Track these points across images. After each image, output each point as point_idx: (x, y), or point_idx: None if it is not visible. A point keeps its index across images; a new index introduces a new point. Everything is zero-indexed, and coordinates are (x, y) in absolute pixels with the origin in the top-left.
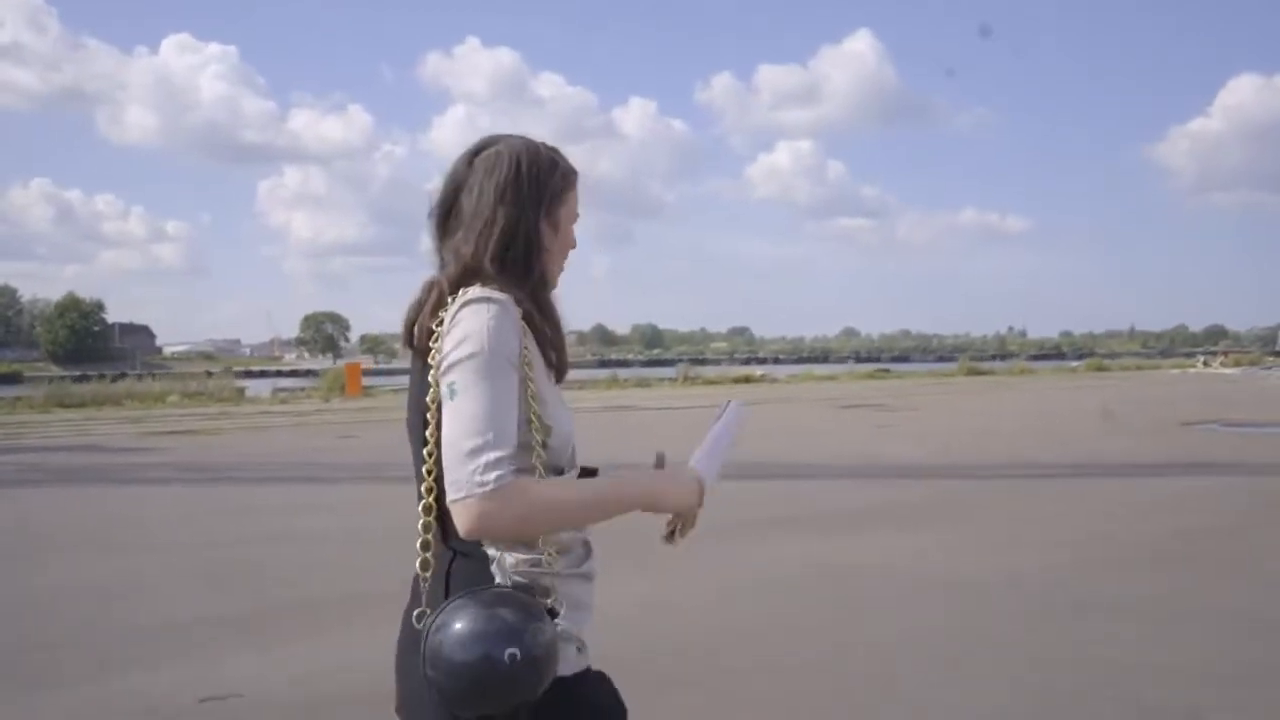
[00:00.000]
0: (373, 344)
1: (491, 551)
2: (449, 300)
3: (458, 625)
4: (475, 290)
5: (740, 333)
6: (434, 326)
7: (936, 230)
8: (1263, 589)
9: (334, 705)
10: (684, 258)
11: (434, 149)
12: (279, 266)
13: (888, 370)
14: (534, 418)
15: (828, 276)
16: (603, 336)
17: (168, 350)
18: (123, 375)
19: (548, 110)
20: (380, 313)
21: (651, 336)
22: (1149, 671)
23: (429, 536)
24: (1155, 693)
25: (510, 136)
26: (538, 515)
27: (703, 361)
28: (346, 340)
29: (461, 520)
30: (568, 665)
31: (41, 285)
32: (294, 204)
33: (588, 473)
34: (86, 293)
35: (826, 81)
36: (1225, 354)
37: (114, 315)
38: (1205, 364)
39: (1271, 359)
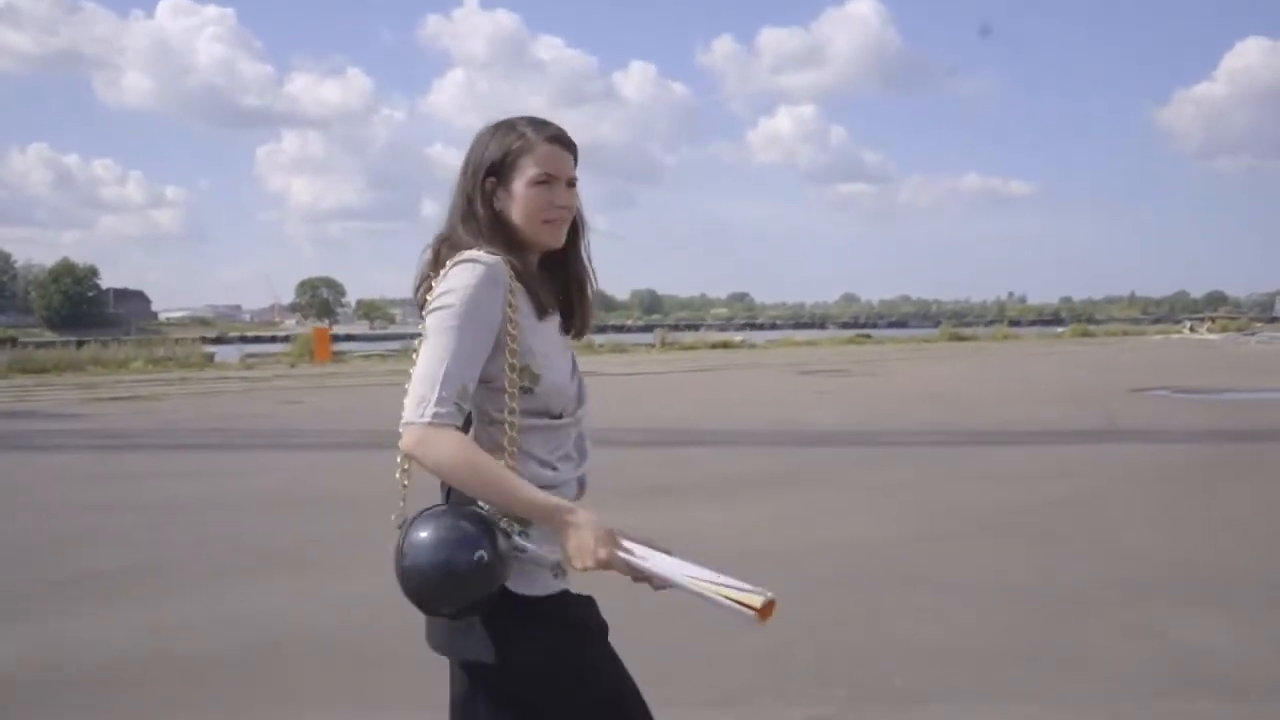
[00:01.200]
0: (369, 309)
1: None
2: (443, 266)
3: (424, 533)
4: (467, 252)
5: (740, 298)
6: (427, 289)
7: (938, 195)
8: (1088, 563)
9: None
10: (684, 223)
11: (433, 112)
12: (279, 231)
13: (869, 335)
14: (508, 368)
15: (829, 242)
16: (602, 302)
17: (166, 316)
18: (117, 340)
19: (548, 73)
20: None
21: (650, 302)
22: (894, 648)
23: (406, 468)
24: (901, 672)
25: (498, 119)
26: (451, 465)
27: (697, 326)
28: (342, 305)
29: (402, 441)
30: (542, 586)
31: (41, 250)
32: (293, 169)
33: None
34: (87, 258)
35: (829, 44)
36: (1212, 320)
37: (115, 281)
38: (1192, 330)
39: (1260, 325)
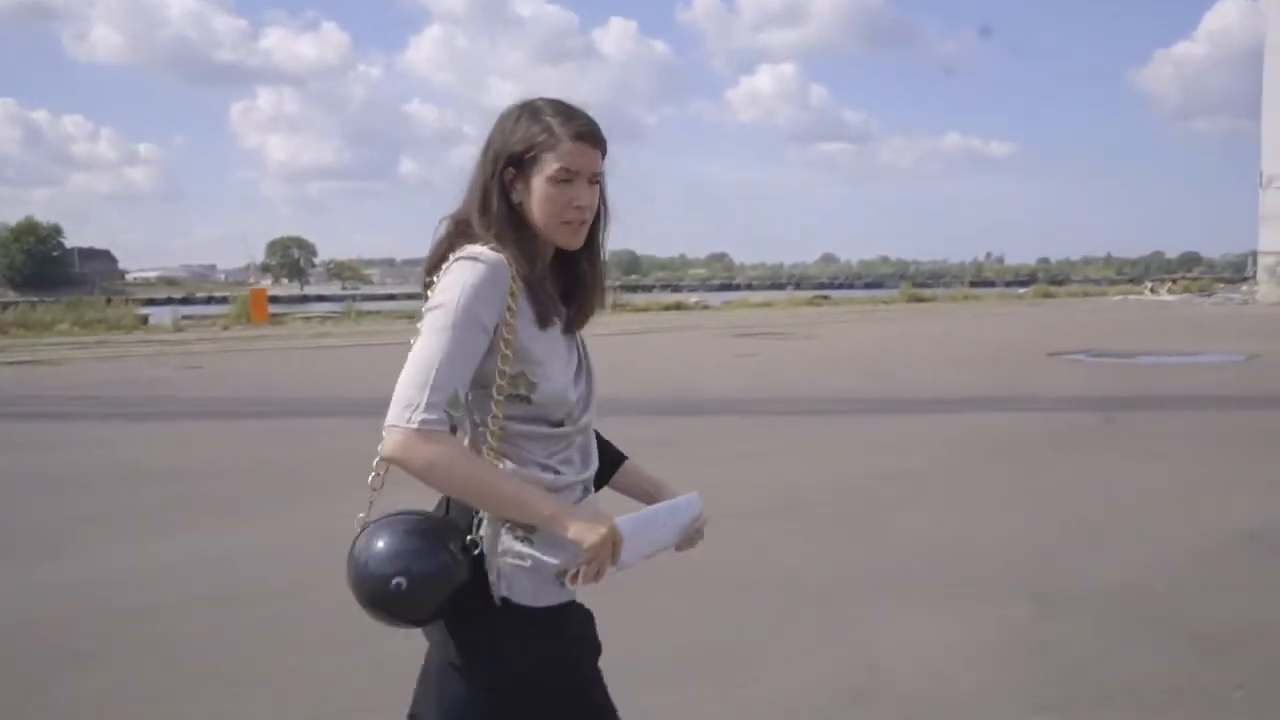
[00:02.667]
0: (340, 269)
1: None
2: (450, 255)
3: (378, 542)
4: (469, 249)
5: (719, 259)
6: (434, 280)
7: (918, 156)
8: (856, 550)
9: None
10: (665, 183)
11: (410, 69)
12: (256, 190)
13: (827, 297)
14: (499, 374)
15: (809, 202)
16: None
17: (139, 276)
18: (79, 301)
19: (527, 30)
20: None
21: (629, 263)
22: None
23: (382, 473)
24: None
25: (526, 99)
26: (439, 472)
27: (677, 288)
28: (313, 265)
29: (385, 445)
30: (545, 597)
31: (10, 209)
32: (269, 126)
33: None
34: (58, 217)
35: (810, 1)
36: (1174, 281)
37: (88, 240)
38: (1152, 290)
39: (1221, 285)
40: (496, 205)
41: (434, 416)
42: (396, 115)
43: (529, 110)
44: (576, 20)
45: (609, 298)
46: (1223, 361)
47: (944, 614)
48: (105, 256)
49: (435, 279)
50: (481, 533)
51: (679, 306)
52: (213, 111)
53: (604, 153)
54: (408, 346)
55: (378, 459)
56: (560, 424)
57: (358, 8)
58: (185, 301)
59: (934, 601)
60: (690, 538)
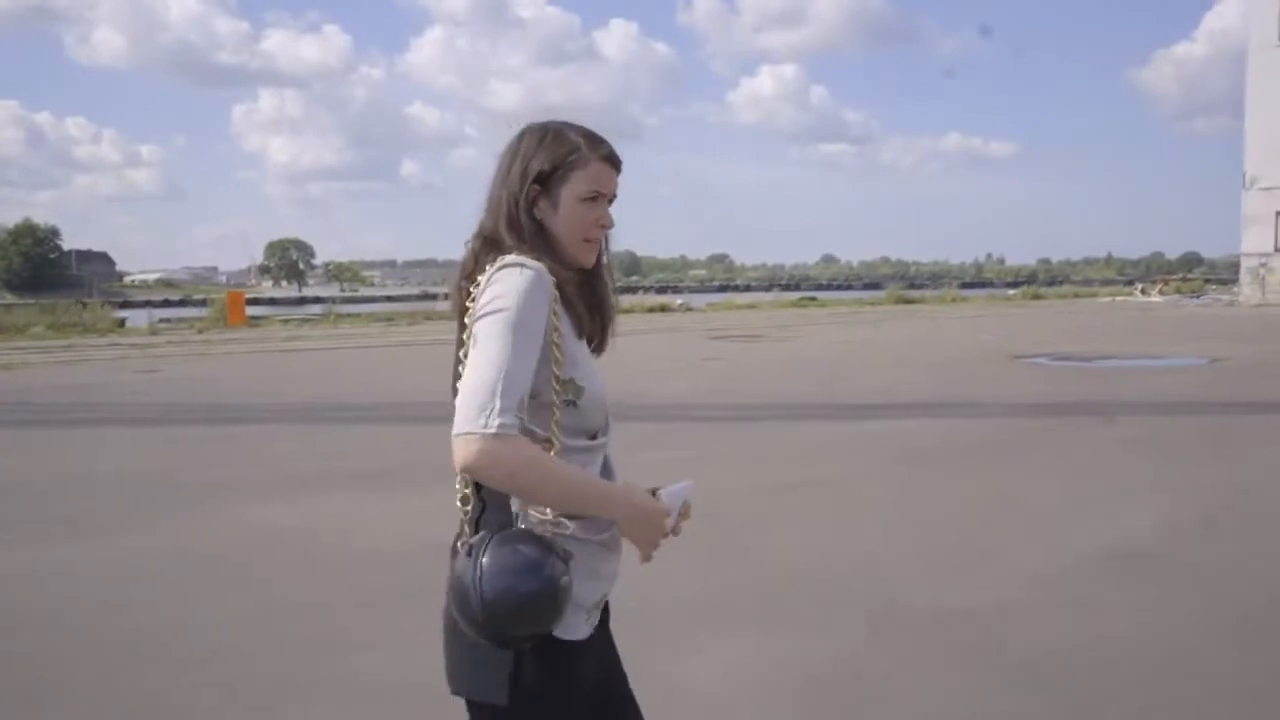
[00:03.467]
0: (339, 271)
1: (516, 509)
2: (486, 266)
3: (484, 560)
4: (512, 256)
5: (720, 260)
6: (471, 289)
7: (919, 156)
8: (712, 571)
9: None
10: (666, 184)
11: (412, 71)
12: (258, 191)
13: (814, 298)
14: (555, 381)
15: (810, 203)
16: None
17: (140, 278)
18: (80, 303)
19: (529, 32)
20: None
21: (630, 264)
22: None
23: (467, 490)
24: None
25: (546, 120)
26: (524, 475)
27: (676, 289)
28: (311, 267)
29: (459, 454)
30: (571, 631)
31: (12, 211)
32: (271, 127)
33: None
34: (61, 218)
35: (811, 2)
36: (1165, 281)
37: (91, 242)
38: (1143, 292)
39: (1214, 286)
40: (525, 220)
41: (509, 420)
42: (398, 117)
43: (554, 131)
44: (578, 22)
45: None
46: (1184, 365)
47: (765, 640)
48: (103, 259)
49: (473, 288)
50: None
51: (664, 308)
52: (215, 113)
53: (619, 175)
54: (410, 347)
55: (460, 494)
56: (595, 436)
57: (359, 10)
58: (180, 304)
59: (761, 626)
60: (678, 523)
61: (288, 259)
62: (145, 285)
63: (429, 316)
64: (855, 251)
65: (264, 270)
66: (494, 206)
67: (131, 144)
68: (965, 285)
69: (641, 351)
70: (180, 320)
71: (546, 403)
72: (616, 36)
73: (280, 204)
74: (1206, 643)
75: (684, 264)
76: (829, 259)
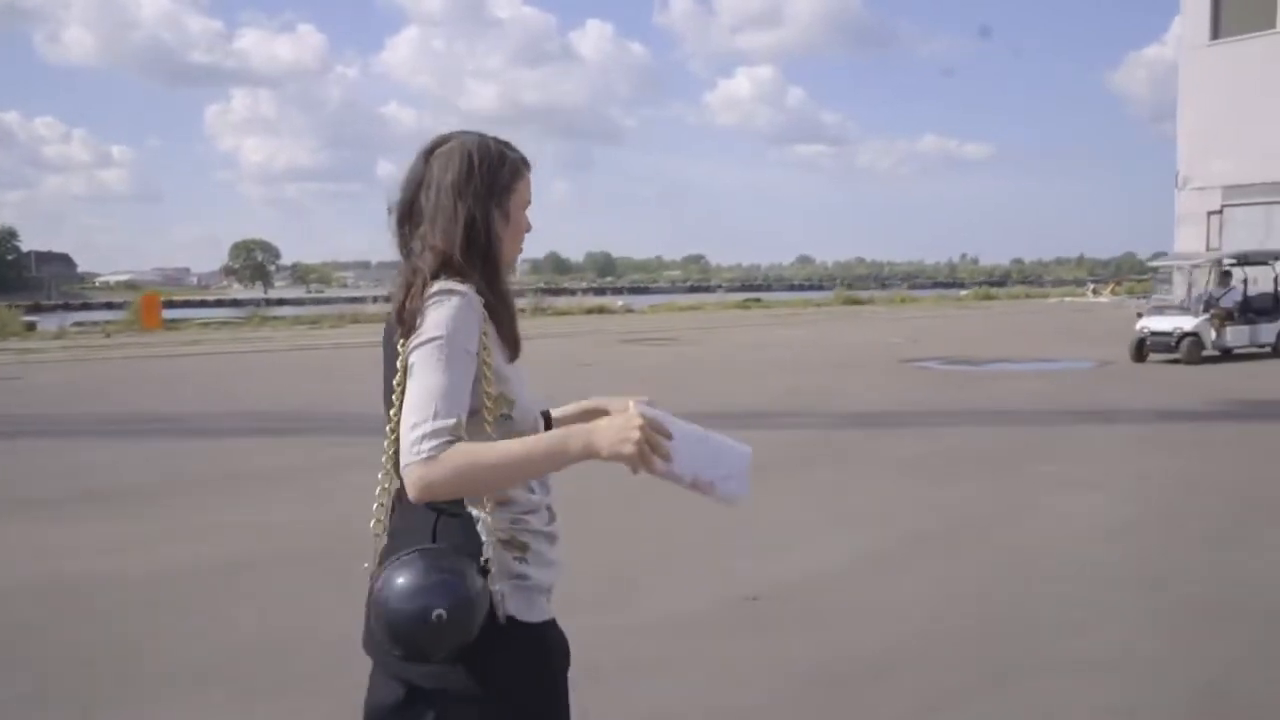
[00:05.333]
0: (305, 273)
1: (474, 512)
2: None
3: (400, 580)
4: (441, 284)
5: (695, 260)
6: (412, 312)
7: (896, 158)
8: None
9: None
10: (643, 185)
11: (387, 71)
12: (232, 192)
13: (759, 300)
14: (485, 397)
15: (786, 204)
16: (556, 265)
17: (109, 279)
18: (37, 306)
19: (505, 31)
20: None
21: (605, 264)
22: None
23: (384, 501)
24: None
25: (463, 133)
26: (469, 477)
27: (645, 289)
28: (277, 268)
29: (407, 484)
30: (540, 613)
31: None
32: (244, 128)
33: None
34: (31, 219)
35: (788, 4)
36: (1117, 283)
37: (62, 243)
38: (1094, 292)
39: (1166, 287)
40: (485, 239)
41: (438, 442)
42: (374, 117)
43: (493, 146)
44: (554, 22)
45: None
46: (1068, 369)
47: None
48: (63, 260)
49: (414, 313)
50: (489, 554)
51: (601, 310)
52: (188, 113)
53: None
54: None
55: (376, 505)
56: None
57: (334, 9)
58: (107, 307)
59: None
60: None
61: (253, 260)
62: (107, 287)
63: (355, 319)
64: (831, 252)
65: (229, 272)
66: (448, 225)
67: (102, 144)
68: (938, 285)
69: (533, 356)
70: (96, 324)
71: (481, 418)
72: (593, 37)
73: (255, 205)
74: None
75: (660, 265)
76: (805, 260)
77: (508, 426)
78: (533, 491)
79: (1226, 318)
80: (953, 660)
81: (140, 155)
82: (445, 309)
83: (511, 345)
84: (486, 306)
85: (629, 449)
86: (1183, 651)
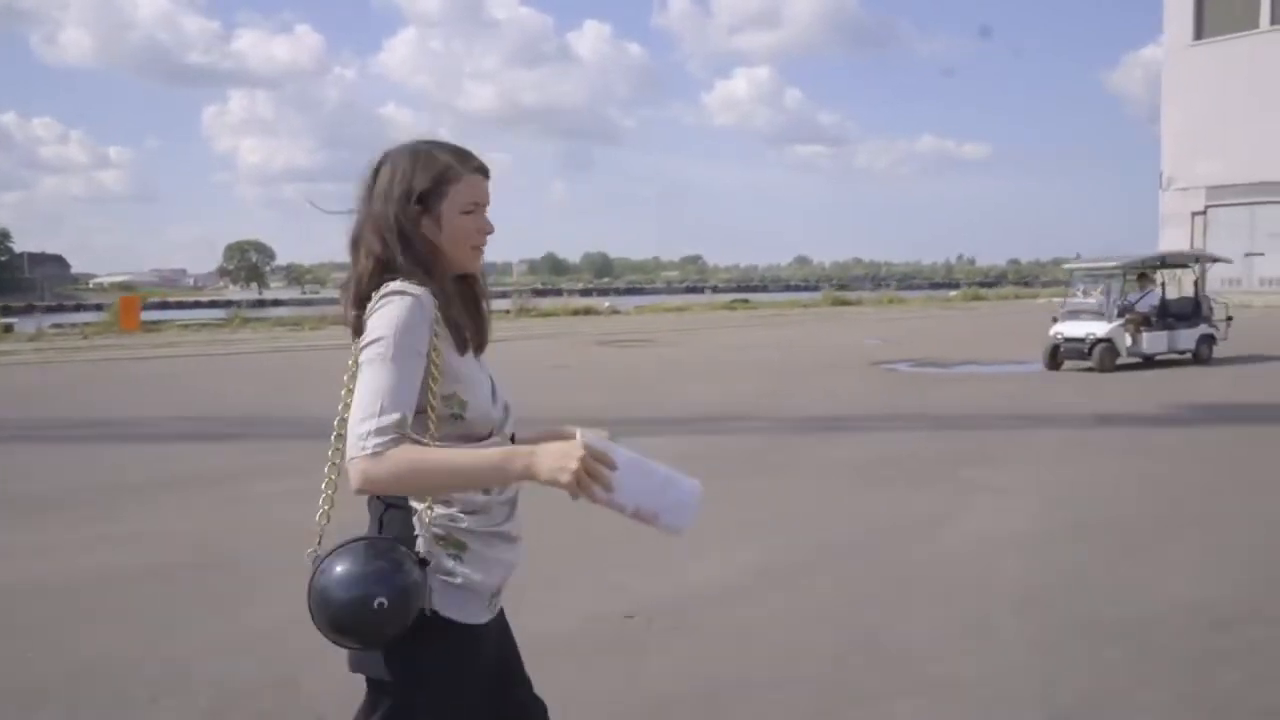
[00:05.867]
0: (299, 274)
1: (416, 505)
2: (372, 291)
3: (339, 568)
4: (394, 284)
5: (693, 261)
6: (359, 314)
7: (894, 158)
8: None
9: None
10: (641, 185)
11: (385, 72)
12: (230, 193)
13: (746, 301)
14: (432, 395)
15: (784, 204)
16: (553, 265)
17: (105, 280)
18: (31, 307)
19: (502, 33)
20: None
21: (602, 265)
22: None
23: (330, 492)
24: None
25: (406, 143)
26: (408, 479)
27: (641, 290)
28: (272, 269)
29: (351, 477)
30: (470, 615)
31: None
32: (242, 129)
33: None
34: (29, 220)
35: (786, 4)
36: None
37: (60, 244)
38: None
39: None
40: (414, 239)
41: (384, 439)
42: (372, 118)
43: (423, 153)
44: (552, 23)
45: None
46: (1032, 371)
47: None
48: (57, 261)
49: (364, 315)
50: (424, 548)
51: (589, 311)
52: (185, 114)
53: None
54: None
55: (324, 496)
56: (490, 434)
57: (332, 10)
58: (97, 308)
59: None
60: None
61: (247, 261)
62: (101, 288)
63: (336, 321)
64: (829, 253)
65: (223, 273)
66: (377, 228)
67: (100, 145)
68: (934, 285)
69: (505, 358)
70: (72, 326)
71: (428, 418)
72: (590, 38)
73: (252, 206)
74: None
75: (657, 265)
76: (802, 260)
77: (459, 427)
78: (487, 492)
79: (1143, 323)
80: (813, 683)
81: (137, 156)
82: (392, 310)
83: (464, 345)
84: (440, 308)
85: (565, 476)
86: (1046, 676)
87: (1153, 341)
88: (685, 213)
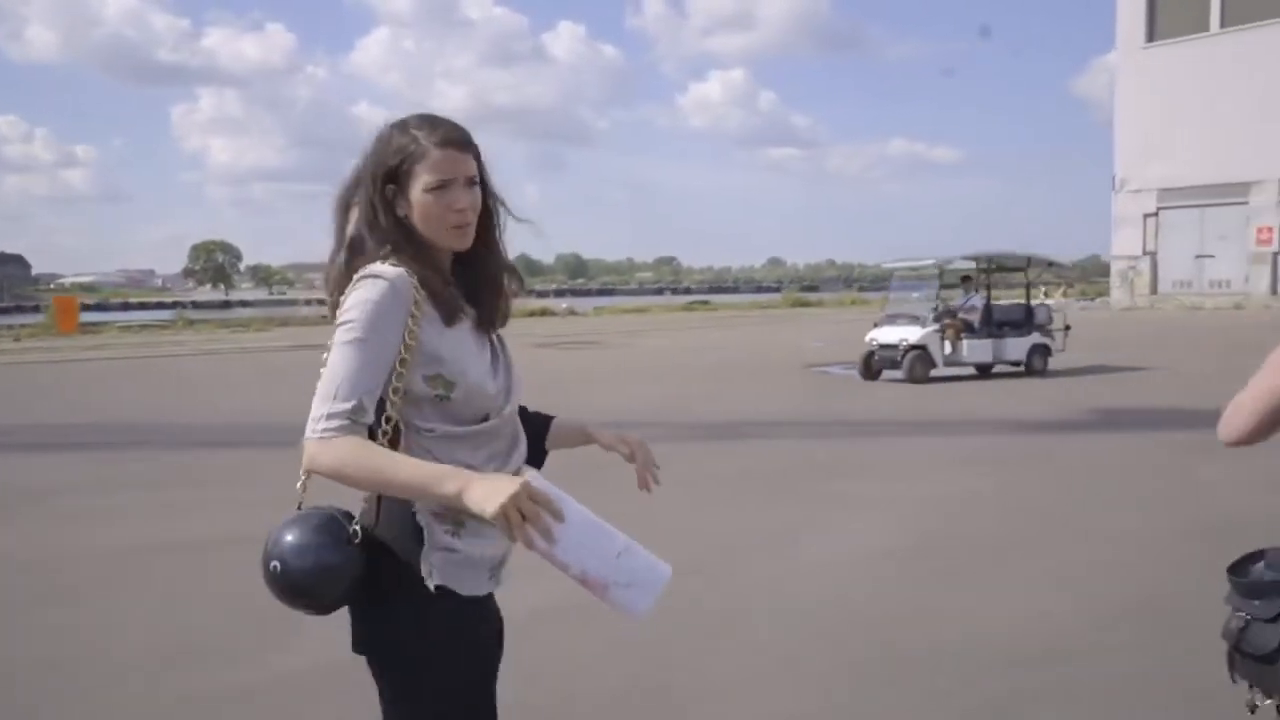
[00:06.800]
0: (266, 274)
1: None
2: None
3: (288, 536)
4: (369, 268)
5: (667, 262)
6: (338, 297)
7: (866, 161)
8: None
9: None
10: (615, 186)
11: (357, 71)
12: (199, 193)
13: (706, 302)
14: (396, 380)
15: (757, 206)
16: (526, 266)
17: (71, 280)
18: None
19: (476, 32)
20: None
21: (576, 266)
22: None
23: (306, 478)
24: None
25: (398, 119)
26: (350, 473)
27: (613, 291)
28: (238, 271)
29: (303, 458)
30: (470, 587)
31: None
32: (211, 128)
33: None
34: None
35: (759, 7)
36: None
37: (25, 244)
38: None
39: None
40: (384, 221)
41: (335, 425)
42: (343, 117)
43: (398, 127)
44: (526, 23)
45: (522, 282)
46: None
47: None
48: (18, 261)
49: (341, 299)
50: (359, 524)
51: (545, 312)
52: (153, 113)
53: (476, 155)
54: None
55: (301, 475)
56: (487, 418)
57: (303, 8)
58: (97, 308)
59: None
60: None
61: (213, 261)
62: (63, 289)
63: (285, 322)
64: (802, 255)
65: (188, 273)
66: (356, 212)
67: (65, 143)
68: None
69: None
70: (11, 328)
71: (416, 399)
72: (564, 39)
73: (222, 206)
74: None
75: (631, 267)
76: (776, 262)
77: (446, 408)
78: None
79: (964, 329)
80: None
81: (104, 155)
82: (362, 292)
83: (452, 317)
84: (426, 287)
85: (491, 508)
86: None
87: (974, 350)
88: (659, 214)
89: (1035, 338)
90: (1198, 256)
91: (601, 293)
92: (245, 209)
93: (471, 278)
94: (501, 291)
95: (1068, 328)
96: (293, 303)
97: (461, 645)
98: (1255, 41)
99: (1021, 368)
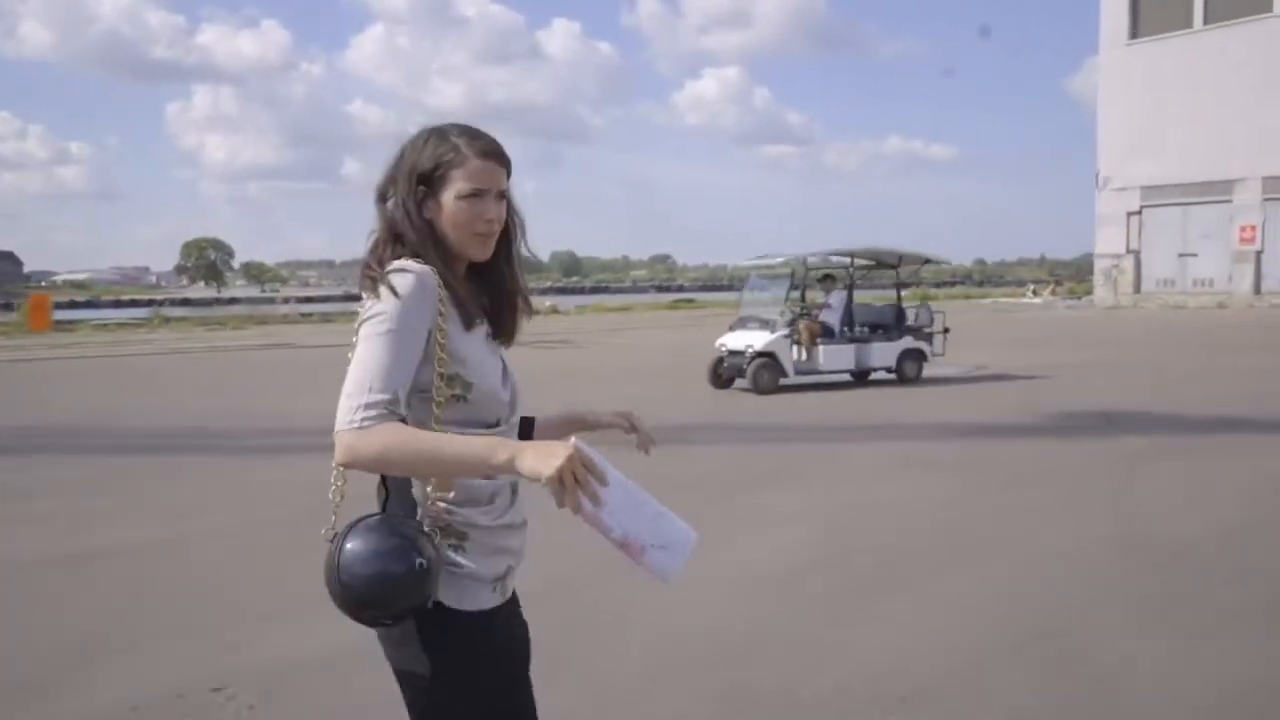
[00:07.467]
0: (258, 272)
1: (417, 494)
2: (387, 259)
3: (358, 544)
4: (399, 262)
5: (662, 260)
6: (371, 275)
7: (861, 158)
8: None
9: None
10: (611, 184)
11: (352, 69)
12: (194, 190)
13: (691, 300)
14: (438, 378)
15: (753, 204)
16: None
17: (65, 278)
18: None
19: (471, 30)
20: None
21: (570, 264)
22: None
23: (338, 483)
24: None
25: (438, 124)
26: (395, 457)
27: (607, 289)
28: (230, 268)
29: (336, 450)
30: (473, 602)
31: None
32: (206, 125)
33: (527, 422)
34: None
35: (755, 4)
36: (1058, 283)
37: (18, 242)
38: (1034, 293)
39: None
40: (416, 221)
41: (374, 414)
42: (339, 115)
43: (437, 133)
44: (522, 21)
45: (531, 305)
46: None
47: None
48: (9, 259)
49: (367, 292)
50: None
51: None
52: (148, 110)
53: (509, 170)
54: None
55: (335, 472)
56: (496, 424)
57: (299, 5)
58: (88, 305)
59: None
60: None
61: (205, 259)
62: (55, 286)
63: (262, 321)
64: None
65: (180, 270)
66: (389, 211)
67: (59, 140)
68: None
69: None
70: None
71: (430, 398)
72: (560, 37)
73: (217, 203)
74: None
75: (626, 264)
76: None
77: (463, 409)
78: (490, 476)
79: (820, 334)
80: None
81: (99, 152)
82: (393, 286)
83: (470, 322)
84: (447, 287)
85: (548, 470)
86: None
87: (833, 357)
88: (655, 212)
89: (907, 342)
90: (1181, 255)
91: (594, 290)
92: (240, 206)
93: (488, 291)
94: (517, 307)
95: (946, 330)
96: (270, 300)
97: (473, 658)
98: (1239, 38)
99: (894, 375)
